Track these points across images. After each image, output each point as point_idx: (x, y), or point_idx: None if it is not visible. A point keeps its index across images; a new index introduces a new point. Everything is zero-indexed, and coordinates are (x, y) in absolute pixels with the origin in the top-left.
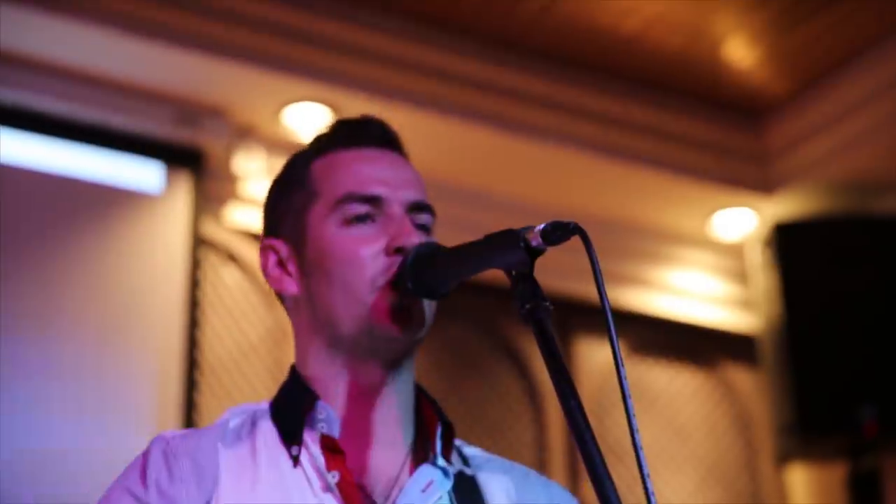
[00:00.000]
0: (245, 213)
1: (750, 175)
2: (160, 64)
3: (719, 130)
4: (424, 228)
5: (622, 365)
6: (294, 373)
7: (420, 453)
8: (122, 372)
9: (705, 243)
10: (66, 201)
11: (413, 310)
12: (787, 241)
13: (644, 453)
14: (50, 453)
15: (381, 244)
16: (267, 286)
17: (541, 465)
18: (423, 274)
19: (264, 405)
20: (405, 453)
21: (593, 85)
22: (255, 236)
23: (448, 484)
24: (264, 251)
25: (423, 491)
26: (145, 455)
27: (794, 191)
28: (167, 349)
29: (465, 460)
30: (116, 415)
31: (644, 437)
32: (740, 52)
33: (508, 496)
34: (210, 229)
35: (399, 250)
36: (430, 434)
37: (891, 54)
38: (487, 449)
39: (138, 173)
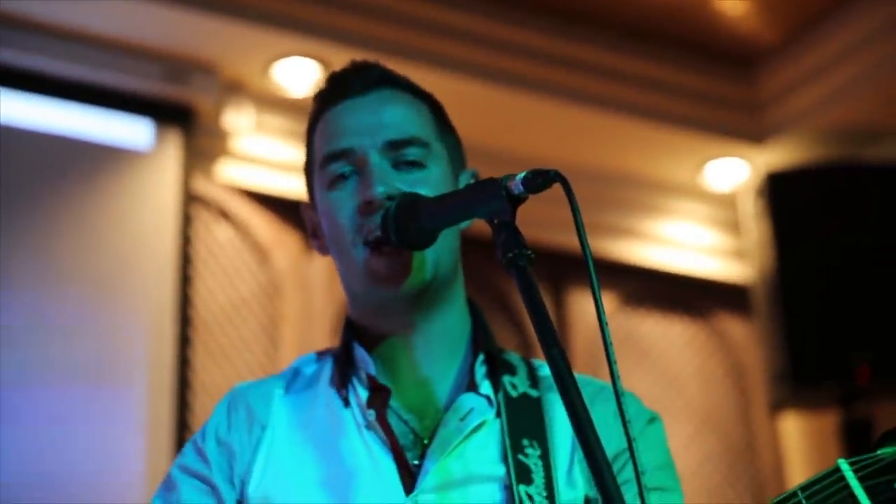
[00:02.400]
0: (236, 169)
1: (741, 124)
2: (149, 20)
3: (710, 80)
4: (412, 163)
5: (602, 309)
6: (346, 318)
7: (474, 379)
8: (115, 329)
9: (697, 194)
10: (56, 159)
11: (399, 262)
12: (779, 190)
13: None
14: (42, 412)
15: (354, 202)
16: (258, 241)
17: None
18: (406, 226)
19: (336, 349)
20: (457, 380)
21: (582, 35)
22: (246, 192)
23: (491, 411)
24: (305, 219)
25: (462, 419)
26: (216, 409)
27: (786, 140)
28: (159, 306)
29: (535, 382)
30: (109, 372)
31: (637, 389)
32: (731, 0)
33: None
34: (201, 185)
35: (367, 205)
36: (473, 363)
37: (881, 1)
38: None
39: (128, 130)
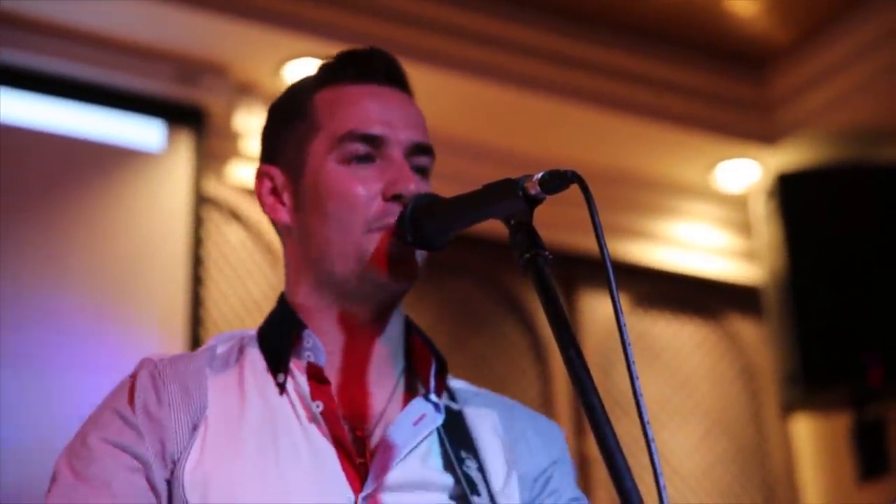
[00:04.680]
0: (247, 171)
1: (753, 125)
2: (161, 22)
3: (722, 81)
4: (423, 171)
5: (621, 312)
6: (282, 300)
7: (410, 389)
8: (127, 330)
9: (709, 195)
10: (68, 161)
11: (409, 261)
12: (790, 191)
13: (649, 405)
14: (52, 411)
15: (378, 186)
16: (270, 243)
17: None
18: (421, 225)
19: (251, 332)
20: (393, 389)
21: (593, 36)
22: None
23: (440, 419)
24: (260, 177)
25: (415, 424)
26: (133, 377)
27: (798, 140)
28: (171, 307)
29: (451, 395)
30: (120, 374)
31: (649, 390)
32: (742, 1)
33: (495, 430)
34: (212, 187)
35: (397, 197)
36: (424, 370)
37: (893, 2)
38: None
39: (140, 132)
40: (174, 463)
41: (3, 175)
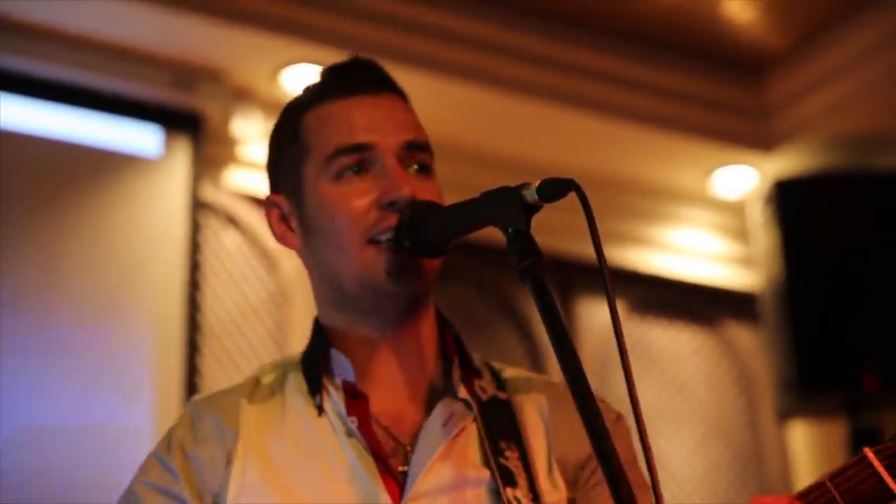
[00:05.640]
0: (244, 176)
1: (750, 132)
2: (157, 27)
3: (719, 87)
4: (423, 169)
5: (618, 318)
6: (316, 323)
7: (446, 389)
8: (124, 336)
9: (705, 201)
10: (65, 166)
11: (413, 266)
12: (787, 197)
13: (645, 411)
14: (51, 416)
15: (373, 196)
16: (266, 248)
17: None
18: (419, 233)
19: (297, 356)
20: (427, 393)
21: (590, 42)
22: (254, 199)
23: (470, 414)
24: (268, 206)
25: (444, 425)
26: (177, 421)
27: (795, 147)
28: (168, 313)
29: (501, 384)
30: (117, 378)
31: (645, 396)
32: (739, 6)
33: (541, 413)
34: (209, 192)
35: (391, 204)
36: (450, 369)
37: (890, 7)
38: None
39: (137, 137)
40: (215, 497)
41: (1, 180)
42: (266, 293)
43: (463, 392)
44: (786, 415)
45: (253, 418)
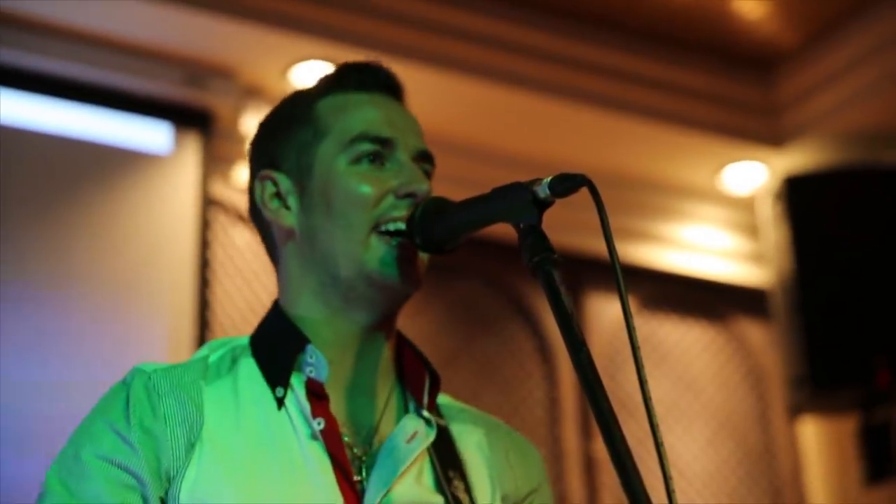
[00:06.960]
0: None
1: (760, 128)
2: (168, 24)
3: (729, 83)
4: (428, 178)
5: (630, 315)
6: (279, 311)
7: (400, 403)
8: (133, 333)
9: (716, 197)
10: (76, 163)
11: (416, 264)
12: (798, 193)
13: (656, 408)
14: (61, 419)
15: (388, 186)
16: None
17: (552, 422)
18: (430, 228)
19: (243, 341)
20: (385, 403)
21: (601, 38)
22: None
23: (432, 435)
24: (262, 181)
25: (408, 442)
26: (126, 388)
27: (805, 143)
28: (178, 310)
29: (437, 410)
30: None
31: (656, 392)
32: (749, 3)
33: (481, 449)
34: (219, 190)
35: (410, 195)
36: (416, 384)
37: None
38: (499, 406)
39: (147, 134)
40: (170, 481)
41: (11, 177)
42: (276, 290)
43: (431, 410)
44: (797, 411)
45: (212, 404)
